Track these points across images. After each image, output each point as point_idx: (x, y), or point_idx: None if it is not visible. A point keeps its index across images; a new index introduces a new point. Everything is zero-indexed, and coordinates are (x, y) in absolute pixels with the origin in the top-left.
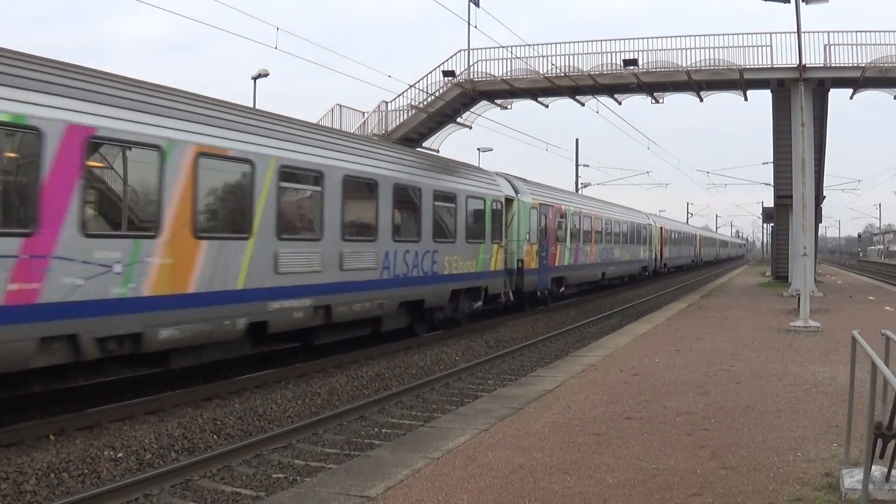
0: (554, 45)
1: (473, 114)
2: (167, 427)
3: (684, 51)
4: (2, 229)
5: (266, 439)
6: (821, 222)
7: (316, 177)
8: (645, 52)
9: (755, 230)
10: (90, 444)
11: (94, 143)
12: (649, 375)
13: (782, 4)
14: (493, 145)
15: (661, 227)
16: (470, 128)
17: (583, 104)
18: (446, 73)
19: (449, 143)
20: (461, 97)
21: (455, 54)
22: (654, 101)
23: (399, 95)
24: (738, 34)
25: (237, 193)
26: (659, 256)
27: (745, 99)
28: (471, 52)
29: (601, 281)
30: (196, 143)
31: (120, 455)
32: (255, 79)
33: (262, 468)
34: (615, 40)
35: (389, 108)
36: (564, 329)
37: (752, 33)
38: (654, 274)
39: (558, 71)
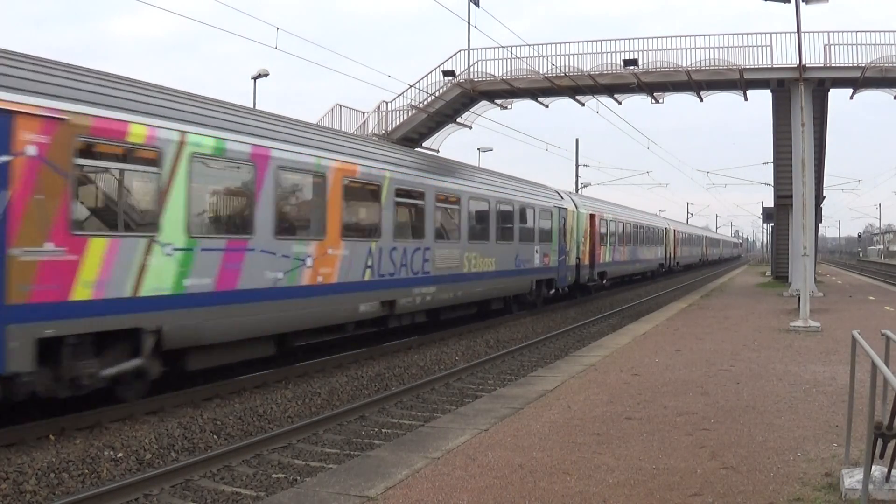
0: (554, 45)
1: (473, 114)
2: (167, 427)
3: (684, 51)
4: None
5: (266, 439)
6: (821, 222)
7: None
8: (645, 52)
9: (755, 230)
10: (90, 444)
11: None
12: (649, 375)
13: (782, 4)
14: (493, 145)
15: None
16: (470, 128)
17: (583, 104)
18: (446, 74)
19: (449, 143)
20: (461, 97)
21: (455, 54)
22: (654, 101)
23: (399, 95)
24: (738, 34)
25: None
26: (568, 266)
27: (745, 99)
28: (471, 52)
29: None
30: None
31: (120, 455)
32: (255, 79)
33: (262, 468)
34: (615, 40)
35: (389, 108)
36: (564, 329)
37: (752, 33)
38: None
39: (558, 71)
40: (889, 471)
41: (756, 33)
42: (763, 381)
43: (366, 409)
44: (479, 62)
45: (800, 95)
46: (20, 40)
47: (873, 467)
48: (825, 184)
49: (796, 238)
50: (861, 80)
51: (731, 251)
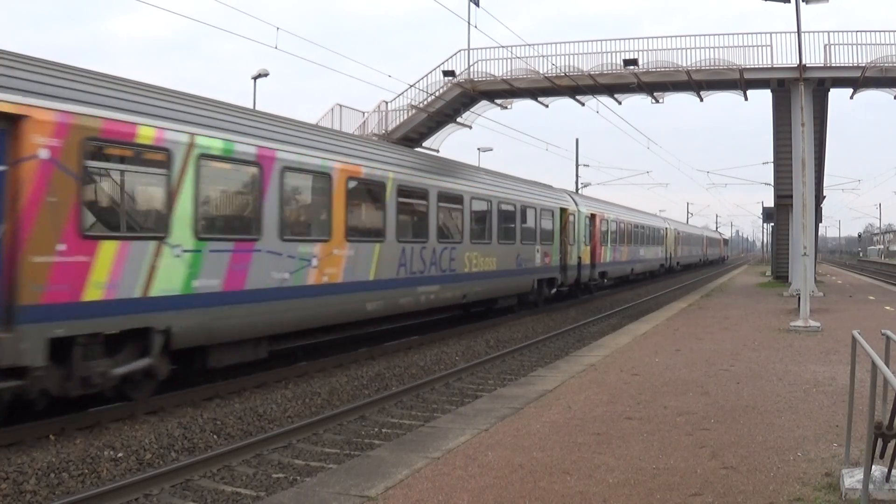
0: (554, 45)
1: (473, 114)
2: (167, 427)
3: (684, 51)
4: None
5: (266, 439)
6: (821, 222)
7: None
8: (645, 52)
9: (755, 230)
10: (90, 444)
11: None
12: (649, 375)
13: (782, 4)
14: (493, 145)
15: None
16: (470, 128)
17: (583, 104)
18: (446, 73)
19: (449, 143)
20: (461, 97)
21: (455, 54)
22: (654, 100)
23: (399, 95)
24: (738, 34)
25: None
26: None
27: (746, 99)
28: (471, 51)
29: None
30: None
31: (120, 455)
32: (255, 79)
33: (262, 468)
34: (615, 40)
35: (389, 108)
36: (564, 329)
37: (752, 33)
38: None
39: (558, 71)
40: (889, 471)
41: (756, 33)
42: (763, 381)
43: (366, 409)
44: (480, 62)
45: (800, 95)
46: (19, 40)
47: (873, 467)
48: (825, 184)
49: (796, 238)
50: (861, 80)
51: (703, 252)
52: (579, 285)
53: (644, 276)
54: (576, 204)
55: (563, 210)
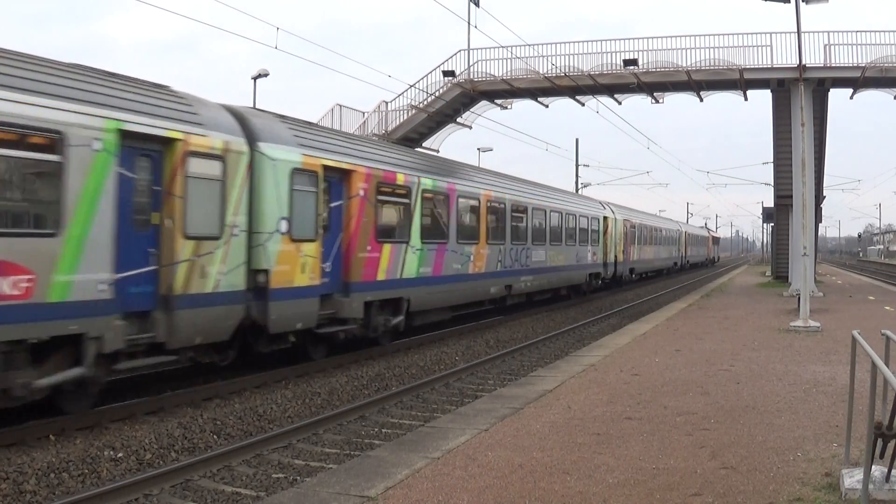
0: (554, 45)
1: (473, 114)
2: (167, 427)
3: (684, 51)
4: None
5: (266, 439)
6: (821, 222)
7: None
8: (645, 52)
9: (755, 230)
10: (90, 444)
11: None
12: (649, 375)
13: (782, 4)
14: (493, 145)
15: None
16: (470, 128)
17: (583, 104)
18: (446, 73)
19: (449, 143)
20: (461, 97)
21: (455, 54)
22: (654, 101)
23: (399, 95)
24: (738, 34)
25: None
26: None
27: (745, 99)
28: (471, 52)
29: None
30: None
31: (120, 455)
32: (255, 79)
33: (262, 468)
34: (615, 40)
35: (389, 108)
36: (564, 329)
37: (752, 33)
38: None
39: (558, 71)
40: (889, 471)
41: (756, 33)
42: (763, 381)
43: (366, 409)
44: (480, 62)
45: (800, 95)
46: (18, 40)
47: (873, 467)
48: (825, 184)
49: (796, 238)
50: (861, 80)
51: (673, 254)
52: (284, 343)
53: (554, 294)
54: (249, 136)
55: (147, 139)
